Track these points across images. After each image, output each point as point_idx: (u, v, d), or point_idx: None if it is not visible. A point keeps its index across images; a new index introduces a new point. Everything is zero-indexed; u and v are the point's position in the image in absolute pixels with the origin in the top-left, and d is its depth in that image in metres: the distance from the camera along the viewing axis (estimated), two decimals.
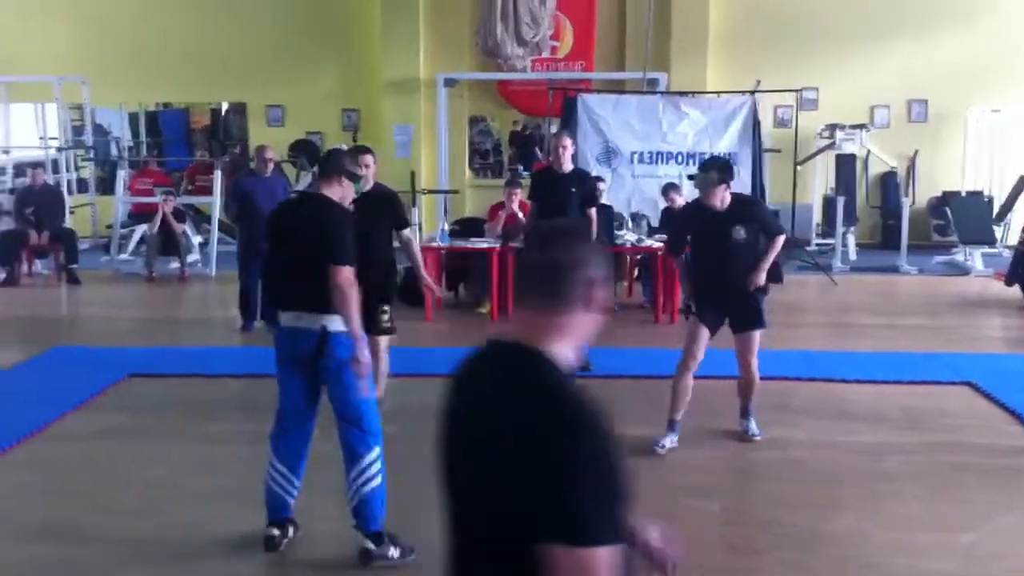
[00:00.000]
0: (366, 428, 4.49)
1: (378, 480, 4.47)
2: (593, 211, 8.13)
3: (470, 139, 16.85)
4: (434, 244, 10.56)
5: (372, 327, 5.68)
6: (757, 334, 6.02)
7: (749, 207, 6.17)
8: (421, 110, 15.67)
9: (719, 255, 5.89)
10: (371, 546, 4.40)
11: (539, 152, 15.73)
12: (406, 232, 6.29)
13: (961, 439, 6.25)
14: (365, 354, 4.36)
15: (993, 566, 4.40)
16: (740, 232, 5.84)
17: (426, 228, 13.66)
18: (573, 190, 8.03)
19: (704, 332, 5.92)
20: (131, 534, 4.79)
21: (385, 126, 15.85)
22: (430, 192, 13.99)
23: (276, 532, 4.52)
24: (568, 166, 8.13)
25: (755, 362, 6.07)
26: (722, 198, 5.82)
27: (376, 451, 4.49)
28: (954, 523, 4.89)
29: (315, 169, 13.71)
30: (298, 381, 4.47)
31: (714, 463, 5.81)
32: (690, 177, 6.28)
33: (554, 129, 13.00)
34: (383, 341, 6.19)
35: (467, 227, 11.48)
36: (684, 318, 6.25)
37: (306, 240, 4.39)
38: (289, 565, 4.54)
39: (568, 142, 8.21)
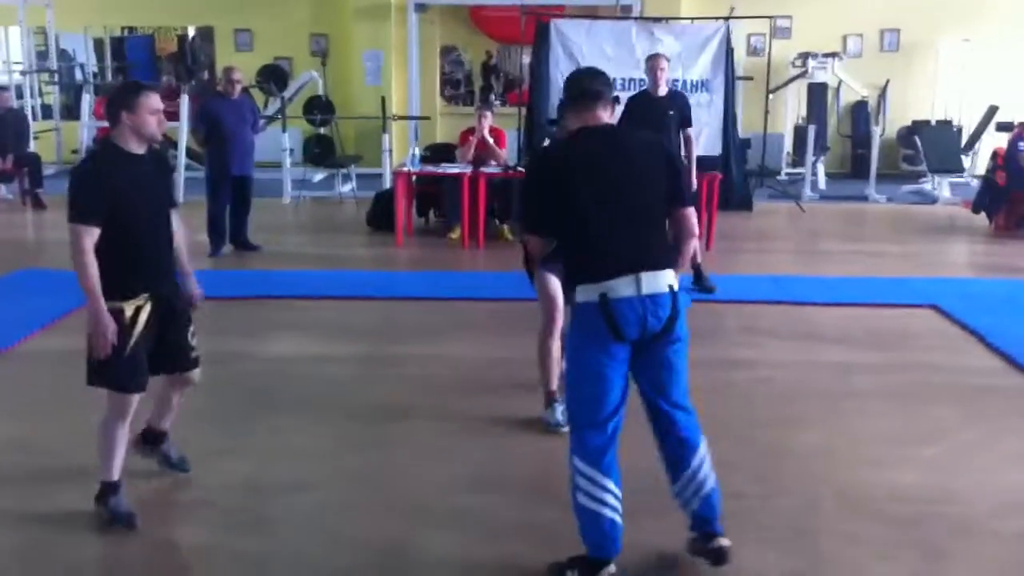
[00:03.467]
0: (692, 409, 3.62)
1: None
2: (691, 131, 8.04)
3: (442, 69, 16.68)
4: (405, 169, 10.50)
5: (178, 360, 4.14)
6: None
7: None
8: (392, 36, 15.50)
9: None
10: (728, 542, 3.57)
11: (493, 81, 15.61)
12: (173, 214, 4.11)
13: (925, 359, 6.34)
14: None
15: (952, 478, 4.49)
16: None
17: (397, 154, 13.59)
18: (671, 113, 7.87)
19: (557, 285, 4.92)
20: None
21: (355, 52, 15.68)
22: (401, 118, 13.89)
23: (614, 570, 3.53)
24: (664, 88, 7.99)
25: None
26: None
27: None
28: (916, 438, 4.98)
29: (283, 95, 13.69)
30: (623, 367, 3.44)
31: None
32: (551, 121, 5.06)
33: (526, 59, 12.90)
34: (196, 376, 4.27)
35: (438, 153, 11.42)
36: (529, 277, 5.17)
37: (648, 182, 3.46)
38: None
39: (665, 63, 8.02)
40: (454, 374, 6.03)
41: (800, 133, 14.18)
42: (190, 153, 13.00)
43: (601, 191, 3.39)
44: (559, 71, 12.10)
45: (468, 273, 8.97)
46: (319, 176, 14.22)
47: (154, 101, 3.83)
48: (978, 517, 4.09)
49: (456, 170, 10.09)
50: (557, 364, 5.07)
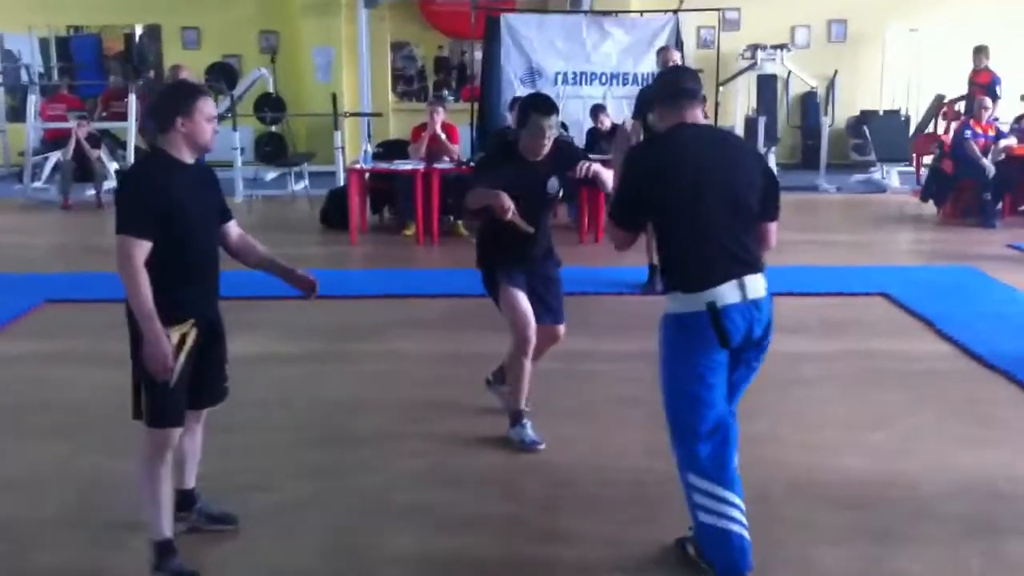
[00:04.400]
0: None
1: None
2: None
3: (394, 65, 16.63)
4: (357, 166, 10.45)
5: (214, 392, 3.78)
6: (563, 328, 4.96)
7: (565, 151, 4.79)
8: (342, 32, 15.42)
9: (529, 214, 4.57)
10: None
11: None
12: (235, 224, 3.81)
13: (875, 346, 6.43)
14: None
15: (900, 462, 4.56)
16: (555, 185, 4.69)
17: (350, 151, 13.53)
18: None
19: (525, 298, 4.67)
20: (62, 454, 4.72)
21: (305, 49, 15.59)
22: (352, 115, 13.83)
23: None
24: None
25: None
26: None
27: None
28: (866, 423, 5.04)
29: (233, 92, 13.56)
30: (727, 373, 3.35)
31: (642, 375, 5.89)
32: (519, 123, 4.64)
33: (479, 54, 12.91)
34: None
35: (391, 149, 11.37)
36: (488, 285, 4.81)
37: (748, 186, 3.35)
38: None
39: (677, 56, 8.05)
40: (409, 371, 6.02)
41: (750, 125, 14.29)
42: (139, 153, 12.85)
43: (705, 189, 3.25)
44: (510, 66, 12.14)
45: (423, 270, 8.95)
46: (271, 175, 14.11)
47: (210, 107, 3.47)
48: (927, 500, 4.16)
49: (409, 167, 10.05)
50: (528, 383, 4.79)
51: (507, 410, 4.85)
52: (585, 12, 13.19)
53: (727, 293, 3.22)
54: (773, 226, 3.48)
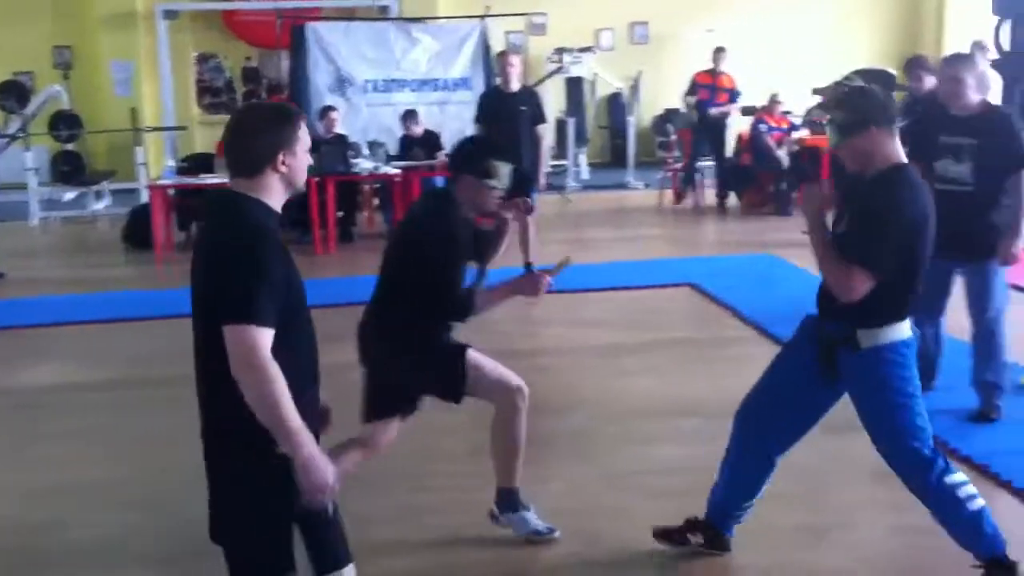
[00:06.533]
0: None
1: None
2: (542, 128, 8.07)
3: (201, 77, 16.17)
4: (161, 182, 10.08)
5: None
6: None
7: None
8: (141, 45, 14.87)
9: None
10: None
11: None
12: None
13: (687, 335, 6.67)
14: None
15: (713, 447, 4.69)
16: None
17: (153, 167, 13.06)
18: (523, 109, 7.87)
19: (491, 360, 4.05)
20: None
21: (102, 63, 14.95)
22: (154, 129, 13.36)
23: None
24: (516, 85, 8.03)
25: None
26: None
27: None
28: (679, 411, 5.20)
29: (25, 111, 12.86)
30: None
31: None
32: (477, 173, 3.80)
33: (286, 63, 12.67)
34: None
35: (197, 163, 11.02)
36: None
37: None
38: None
39: (516, 60, 8.09)
40: None
41: (561, 126, 14.56)
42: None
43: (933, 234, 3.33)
44: (319, 75, 11.96)
45: None
46: (70, 195, 13.45)
47: (307, 133, 2.64)
48: None
49: (217, 181, 9.76)
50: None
51: (501, 490, 3.96)
52: (392, 19, 13.13)
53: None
54: None
